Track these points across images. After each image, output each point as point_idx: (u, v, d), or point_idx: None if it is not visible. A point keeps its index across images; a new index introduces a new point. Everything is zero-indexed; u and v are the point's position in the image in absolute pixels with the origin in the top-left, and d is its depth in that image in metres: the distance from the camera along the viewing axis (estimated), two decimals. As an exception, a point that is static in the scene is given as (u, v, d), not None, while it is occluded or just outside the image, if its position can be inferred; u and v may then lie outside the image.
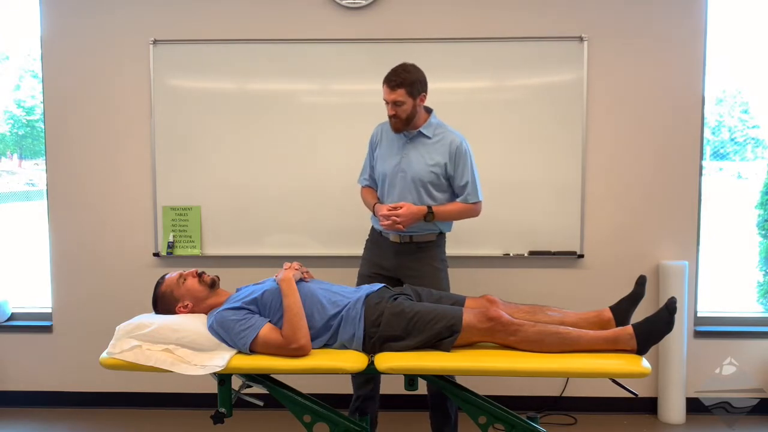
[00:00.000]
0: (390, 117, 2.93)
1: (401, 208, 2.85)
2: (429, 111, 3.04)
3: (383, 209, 2.89)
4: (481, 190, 3.01)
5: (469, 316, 2.43)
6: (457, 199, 2.99)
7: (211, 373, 2.35)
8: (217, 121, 3.71)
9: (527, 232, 3.69)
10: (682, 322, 3.60)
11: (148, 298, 2.67)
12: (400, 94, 2.85)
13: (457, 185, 2.98)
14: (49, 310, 3.90)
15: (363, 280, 3.07)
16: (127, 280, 3.80)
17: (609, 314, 2.56)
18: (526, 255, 3.70)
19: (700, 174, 3.71)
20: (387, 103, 2.90)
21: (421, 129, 2.98)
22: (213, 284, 2.64)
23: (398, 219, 2.84)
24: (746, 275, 4.14)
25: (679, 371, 3.65)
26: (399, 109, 2.88)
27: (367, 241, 3.18)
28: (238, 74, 3.69)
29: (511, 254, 3.70)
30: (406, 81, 2.86)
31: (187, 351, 2.40)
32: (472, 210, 3.01)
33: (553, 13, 3.65)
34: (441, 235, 3.09)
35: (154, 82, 3.71)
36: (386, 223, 2.86)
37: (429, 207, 2.91)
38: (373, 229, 3.15)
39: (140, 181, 3.77)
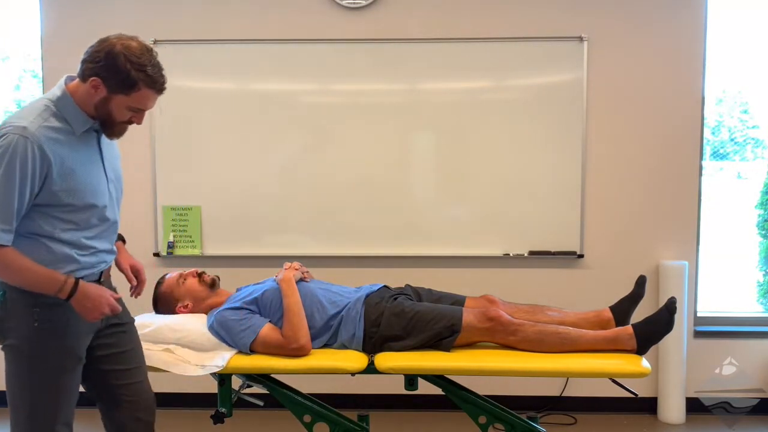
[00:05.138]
0: (125, 124, 2.01)
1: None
2: None
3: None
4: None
5: (469, 315, 2.43)
6: None
7: (211, 373, 2.36)
8: (217, 121, 3.71)
9: (527, 232, 3.69)
10: (681, 322, 3.60)
11: (148, 298, 2.66)
12: None
13: None
14: (49, 310, 3.89)
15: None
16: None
17: (609, 314, 2.56)
18: (526, 255, 3.70)
19: (700, 174, 3.71)
20: (138, 112, 2.00)
21: None
22: (213, 284, 2.64)
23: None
24: (746, 275, 4.14)
25: (679, 371, 3.65)
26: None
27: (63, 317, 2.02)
28: (238, 74, 3.69)
29: (511, 254, 3.70)
30: None
31: (187, 351, 2.40)
32: None
33: (553, 13, 3.64)
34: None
35: (154, 82, 3.71)
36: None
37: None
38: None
39: (140, 181, 3.76)
